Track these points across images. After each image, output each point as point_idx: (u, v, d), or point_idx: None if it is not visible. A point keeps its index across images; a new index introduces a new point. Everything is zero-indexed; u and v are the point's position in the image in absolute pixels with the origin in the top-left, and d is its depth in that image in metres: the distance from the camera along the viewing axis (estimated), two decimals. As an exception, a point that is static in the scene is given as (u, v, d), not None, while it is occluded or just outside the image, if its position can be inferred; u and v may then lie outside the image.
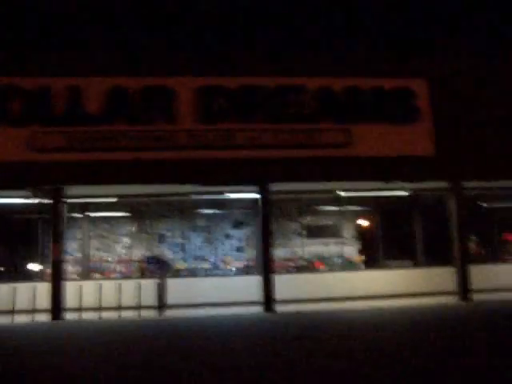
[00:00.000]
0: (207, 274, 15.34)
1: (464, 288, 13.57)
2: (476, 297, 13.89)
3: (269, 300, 12.90)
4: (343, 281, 15.18)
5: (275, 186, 13.53)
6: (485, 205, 16.01)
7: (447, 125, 13.68)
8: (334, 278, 15.32)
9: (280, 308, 12.90)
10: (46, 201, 13.26)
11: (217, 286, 14.63)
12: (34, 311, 12.29)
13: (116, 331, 10.40)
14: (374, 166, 13.24)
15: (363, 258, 16.05)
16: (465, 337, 8.19)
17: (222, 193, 14.10)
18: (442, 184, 13.95)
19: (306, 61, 13.49)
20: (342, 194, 14.58)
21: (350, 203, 15.92)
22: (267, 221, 13.22)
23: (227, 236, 15.97)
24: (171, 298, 13.81)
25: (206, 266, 15.54)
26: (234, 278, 15.02)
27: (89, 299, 12.70)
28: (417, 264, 15.75)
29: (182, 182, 13.16)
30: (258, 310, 13.02)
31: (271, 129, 13.21)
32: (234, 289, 14.43)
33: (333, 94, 13.52)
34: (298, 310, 12.73)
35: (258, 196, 13.42)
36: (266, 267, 13.12)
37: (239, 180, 13.20)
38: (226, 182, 13.22)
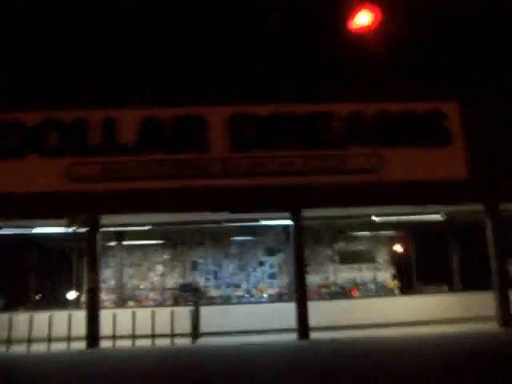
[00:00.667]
0: (240, 301, 15.32)
1: (504, 313, 13.19)
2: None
3: (303, 327, 12.75)
4: (377, 307, 14.99)
5: (308, 213, 13.51)
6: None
7: (481, 147, 13.53)
8: (368, 304, 15.15)
9: (314, 335, 12.75)
10: (81, 230, 13.49)
11: (250, 313, 14.62)
12: (69, 339, 12.41)
13: (149, 359, 10.44)
14: (406, 190, 13.10)
15: (398, 283, 15.83)
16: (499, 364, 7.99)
17: (254, 220, 14.15)
18: (478, 207, 13.71)
19: (335, 86, 13.55)
20: (375, 219, 14.48)
21: (384, 228, 15.81)
22: (300, 247, 13.16)
23: (260, 263, 15.98)
24: (205, 325, 13.83)
25: (240, 293, 15.54)
26: (267, 305, 14.98)
27: (123, 327, 12.77)
28: (452, 289, 15.47)
29: (215, 209, 13.25)
30: (292, 337, 12.88)
31: (302, 155, 13.26)
32: (267, 316, 14.39)
33: (363, 118, 13.53)
34: (332, 337, 12.56)
35: (290, 222, 13.40)
36: (299, 293, 13.01)
37: (271, 207, 13.21)
38: (259, 209, 13.26)
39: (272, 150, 13.31)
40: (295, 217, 13.26)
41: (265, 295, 15.39)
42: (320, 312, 14.62)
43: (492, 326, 13.30)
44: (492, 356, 9.03)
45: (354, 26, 10.87)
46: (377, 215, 14.43)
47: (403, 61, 13.68)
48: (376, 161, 13.33)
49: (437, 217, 14.55)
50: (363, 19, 10.76)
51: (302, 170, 13.17)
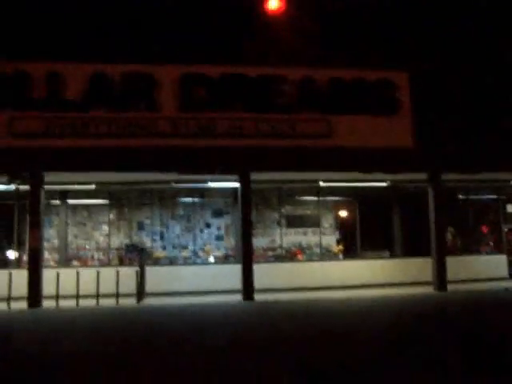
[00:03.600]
0: (187, 262, 15.34)
1: (440, 278, 13.76)
2: (451, 287, 14.14)
3: (248, 289, 12.92)
4: (321, 270, 15.33)
5: (256, 176, 13.55)
6: (463, 197, 16.27)
7: (427, 117, 13.81)
8: (313, 267, 15.47)
9: (259, 297, 12.96)
10: (23, 187, 13.09)
11: (196, 274, 14.68)
12: (9, 298, 12.15)
13: (93, 319, 10.38)
14: (354, 157, 13.28)
15: (342, 247, 16.18)
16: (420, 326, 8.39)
17: (202, 181, 14.08)
18: (421, 176, 14.08)
19: (289, 51, 13.46)
20: (322, 184, 14.67)
21: (330, 193, 16.03)
22: (247, 210, 13.22)
23: (207, 225, 15.97)
24: (150, 286, 13.81)
25: (186, 254, 15.54)
26: (213, 267, 15.06)
27: (67, 287, 12.59)
28: (395, 254, 15.96)
29: (162, 170, 13.09)
30: (237, 298, 13.05)
31: (252, 118, 13.21)
32: (213, 277, 14.50)
33: (315, 84, 13.55)
34: (276, 299, 12.80)
35: (238, 185, 13.40)
36: (245, 256, 13.13)
37: (219, 169, 13.17)
38: (207, 171, 13.19)
39: (222, 112, 13.19)
40: (243, 180, 13.26)
41: (211, 257, 15.46)
42: (265, 274, 14.85)
43: (428, 290, 13.89)
44: (413, 318, 9.44)
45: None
46: (324, 181, 14.61)
47: (355, 29, 13.71)
48: (325, 126, 13.43)
49: (382, 184, 14.87)
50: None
51: (251, 132, 13.14)
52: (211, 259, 15.46)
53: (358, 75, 13.73)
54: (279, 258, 15.68)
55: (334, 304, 12.15)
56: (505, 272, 16.26)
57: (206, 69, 13.33)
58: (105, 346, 7.04)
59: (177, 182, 14.12)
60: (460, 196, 16.24)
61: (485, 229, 16.87)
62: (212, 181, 14.08)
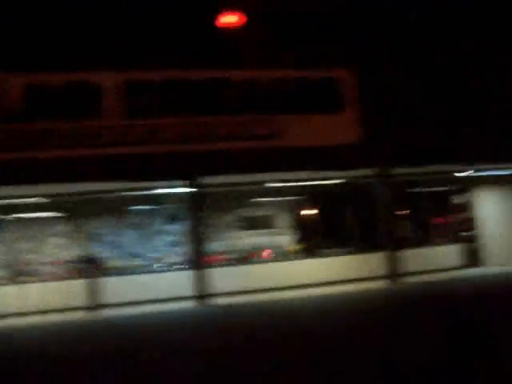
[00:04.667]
0: (142, 270, 15.10)
1: (393, 272, 13.91)
2: (408, 279, 14.33)
3: (201, 294, 12.81)
4: (278, 271, 15.31)
5: (208, 180, 13.46)
6: (416, 190, 16.47)
7: (374, 112, 13.92)
8: (270, 268, 15.44)
9: (219, 301, 12.86)
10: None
11: (151, 282, 14.46)
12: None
13: (39, 336, 10.12)
14: (303, 156, 13.32)
15: (298, 247, 16.21)
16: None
17: (151, 188, 13.90)
18: (371, 171, 14.21)
19: (233, 53, 13.38)
20: (273, 184, 14.67)
21: (285, 194, 16.06)
22: (197, 215, 13.11)
23: (162, 232, 15.79)
24: (105, 296, 13.54)
25: (140, 262, 15.32)
26: (168, 274, 14.86)
27: (17, 303, 12.26)
28: (352, 250, 16.05)
29: (110, 179, 12.83)
30: (190, 304, 12.92)
31: (199, 122, 13.10)
32: (168, 284, 14.29)
33: (260, 85, 13.52)
34: (230, 303, 12.73)
35: (188, 190, 13.28)
36: (197, 261, 13.02)
37: (168, 174, 12.99)
38: (155, 177, 13.01)
39: (168, 117, 13.02)
40: (193, 184, 13.15)
41: (166, 264, 15.28)
42: (222, 278, 14.76)
43: (382, 284, 14.03)
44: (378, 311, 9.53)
45: None
46: (275, 181, 14.60)
47: (298, 28, 13.71)
48: (273, 127, 13.41)
49: (334, 181, 14.95)
50: None
51: (198, 136, 13.02)
52: (167, 266, 15.28)
53: (304, 74, 13.76)
54: (236, 261, 15.60)
55: (287, 304, 12.24)
56: (458, 261, 16.56)
57: (151, 74, 13.15)
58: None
59: (126, 190, 13.88)
60: (412, 189, 16.42)
61: (438, 220, 17.14)
62: (161, 187, 13.91)
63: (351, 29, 13.80)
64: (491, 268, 16.13)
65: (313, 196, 16.08)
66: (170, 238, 15.82)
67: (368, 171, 14.24)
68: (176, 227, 15.64)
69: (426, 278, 14.41)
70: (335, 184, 15.34)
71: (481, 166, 15.16)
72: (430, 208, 17.08)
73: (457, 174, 16.06)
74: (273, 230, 16.14)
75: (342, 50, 13.71)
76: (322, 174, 13.86)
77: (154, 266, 15.30)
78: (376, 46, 14.14)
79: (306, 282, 14.93)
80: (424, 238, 16.70)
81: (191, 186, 13.18)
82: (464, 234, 16.92)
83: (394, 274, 13.90)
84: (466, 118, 14.08)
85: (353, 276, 15.16)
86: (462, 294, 11.55)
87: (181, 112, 13.17)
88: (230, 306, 12.31)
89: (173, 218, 15.67)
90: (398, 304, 10.89)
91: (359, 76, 13.94)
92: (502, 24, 14.39)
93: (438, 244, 16.57)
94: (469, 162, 14.44)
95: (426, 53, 14.33)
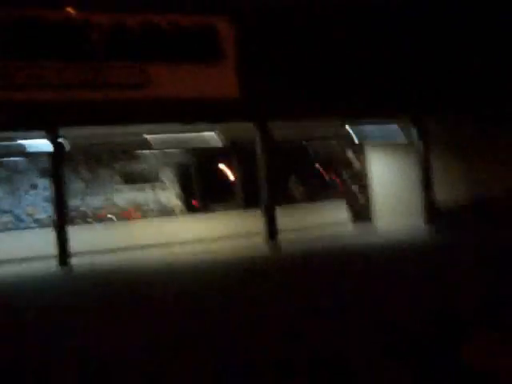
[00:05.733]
0: (9, 227, 14.17)
1: (270, 229, 13.61)
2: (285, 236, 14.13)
3: (62, 254, 12.07)
4: (158, 228, 14.78)
5: (72, 132, 12.54)
6: (300, 144, 16.14)
7: (253, 64, 13.25)
8: (149, 225, 14.89)
9: (91, 259, 12.23)
10: None
11: (17, 240, 13.61)
12: None
13: None
14: (175, 108, 12.57)
15: (182, 203, 15.67)
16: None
17: (10, 139, 12.81)
18: (249, 125, 13.67)
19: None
20: (148, 137, 13.88)
21: (165, 146, 15.30)
22: (58, 169, 12.23)
23: (33, 186, 14.81)
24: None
25: (7, 219, 14.35)
26: (37, 231, 14.02)
27: None
28: (234, 207, 15.67)
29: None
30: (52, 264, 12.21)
31: (57, 68, 12.02)
32: (34, 243, 13.46)
33: (127, 30, 12.50)
34: (94, 262, 12.14)
35: (46, 142, 12.32)
36: (58, 218, 12.22)
37: (25, 125, 11.96)
38: (11, 127, 11.95)
39: (21, 60, 11.85)
40: (52, 136, 12.19)
41: (36, 220, 14.39)
42: (96, 235, 14.11)
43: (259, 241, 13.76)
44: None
45: None
46: (149, 133, 13.80)
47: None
48: (140, 76, 12.52)
49: (212, 134, 14.31)
50: None
51: (55, 83, 11.97)
52: (36, 223, 14.40)
53: (176, 20, 12.84)
54: (112, 218, 14.90)
55: (154, 263, 11.82)
56: (345, 217, 16.53)
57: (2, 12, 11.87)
58: None
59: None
60: (296, 144, 16.07)
61: (325, 175, 16.95)
62: (22, 138, 12.84)
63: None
64: (377, 224, 16.24)
65: (197, 150, 15.40)
66: (44, 193, 14.84)
67: (247, 125, 13.66)
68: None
69: (305, 234, 14.26)
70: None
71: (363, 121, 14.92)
72: (316, 163, 16.82)
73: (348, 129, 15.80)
74: (155, 184, 15.47)
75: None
76: (195, 126, 13.20)
77: (22, 223, 14.36)
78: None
79: (187, 238, 14.50)
80: (310, 194, 16.49)
81: (50, 138, 12.19)
82: (353, 190, 16.85)
83: (270, 231, 13.57)
84: (346, 73, 13.71)
85: (235, 232, 14.84)
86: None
87: (39, 56, 12.03)
88: (91, 266, 11.72)
89: (44, 172, 14.64)
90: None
91: (238, 25, 13.15)
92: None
93: (324, 199, 16.44)
94: (345, 117, 14.15)
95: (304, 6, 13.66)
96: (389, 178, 16.76)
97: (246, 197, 15.56)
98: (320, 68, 13.68)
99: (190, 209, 15.46)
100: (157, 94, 12.64)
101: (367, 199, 16.68)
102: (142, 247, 13.74)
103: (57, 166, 12.27)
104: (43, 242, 13.23)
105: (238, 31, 13.27)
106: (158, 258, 12.59)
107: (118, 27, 12.48)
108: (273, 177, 13.93)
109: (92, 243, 13.53)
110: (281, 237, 13.71)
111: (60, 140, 12.41)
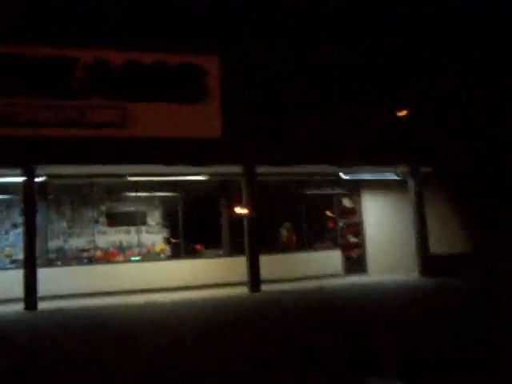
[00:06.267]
0: (-15, 267, 13.65)
1: (253, 278, 12.89)
2: (278, 286, 13.41)
3: (30, 297, 11.50)
4: (140, 272, 14.14)
5: (52, 169, 12.19)
6: (294, 191, 15.49)
7: (237, 106, 12.84)
8: (131, 269, 14.24)
9: (63, 303, 11.71)
10: None
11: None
12: None
13: None
14: (156, 148, 12.14)
15: (167, 246, 15.02)
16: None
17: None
18: (236, 169, 13.17)
19: (80, 31, 12.05)
20: (130, 178, 13.44)
21: (151, 189, 14.83)
22: (30, 207, 11.78)
23: (14, 225, 14.35)
24: None
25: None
26: (13, 272, 13.45)
27: None
28: (221, 253, 14.96)
29: None
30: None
31: (35, 104, 11.74)
32: (11, 283, 12.89)
33: (109, 68, 12.23)
34: (62, 307, 11.51)
35: (20, 180, 11.92)
36: (27, 259, 11.73)
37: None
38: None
39: (5, 97, 11.60)
40: (27, 173, 11.80)
41: (13, 261, 13.88)
42: (75, 278, 13.54)
43: (243, 291, 13.01)
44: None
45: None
46: (131, 175, 13.36)
47: (158, 10, 12.51)
48: (121, 114, 12.17)
49: (198, 178, 13.82)
50: None
51: (38, 120, 11.65)
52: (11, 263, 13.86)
53: (161, 59, 12.56)
54: (94, 260, 14.31)
55: (130, 309, 11.21)
56: (339, 268, 15.71)
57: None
58: None
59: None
60: (289, 191, 15.45)
61: (320, 224, 16.20)
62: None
63: (216, 14, 12.68)
64: (372, 276, 15.41)
65: (185, 192, 14.87)
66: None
67: (233, 168, 13.17)
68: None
69: (291, 285, 13.46)
70: (207, 181, 14.22)
71: (358, 169, 14.35)
72: (315, 211, 16.10)
73: (343, 176, 15.22)
74: (142, 227, 14.90)
75: (204, 35, 12.58)
76: (180, 169, 12.74)
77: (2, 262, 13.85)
78: (245, 33, 13.10)
79: (169, 285, 13.86)
80: (303, 243, 15.70)
81: (25, 175, 11.80)
82: (347, 239, 16.07)
83: (253, 281, 12.85)
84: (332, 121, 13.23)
85: (221, 280, 14.12)
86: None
87: (19, 92, 11.78)
88: (59, 311, 11.11)
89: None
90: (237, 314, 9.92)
91: (225, 65, 12.82)
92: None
93: (318, 249, 15.66)
94: (338, 164, 13.56)
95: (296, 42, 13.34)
96: (384, 227, 15.99)
97: (234, 243, 14.87)
98: (312, 112, 13.22)
99: (176, 254, 14.82)
100: (138, 134, 12.27)
101: (363, 249, 15.88)
102: (130, 291, 13.18)
103: (29, 205, 11.83)
104: (18, 283, 12.74)
105: (224, 70, 12.92)
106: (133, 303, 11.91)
107: (101, 64, 12.22)
108: (258, 224, 13.29)
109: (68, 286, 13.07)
110: (265, 288, 13.02)
111: (40, 179, 12.05)
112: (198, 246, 14.92)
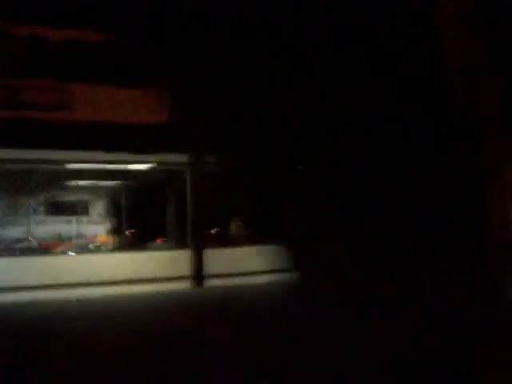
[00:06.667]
0: None
1: (196, 272, 12.34)
2: (223, 281, 12.83)
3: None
4: (79, 264, 13.37)
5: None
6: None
7: (186, 89, 12.21)
8: (69, 261, 13.47)
9: None
10: None
11: None
12: None
13: None
14: (95, 133, 11.42)
15: (111, 238, 14.31)
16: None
17: None
18: (183, 157, 12.57)
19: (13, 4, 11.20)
20: (68, 166, 12.66)
21: (95, 177, 14.08)
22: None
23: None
24: None
25: None
26: None
27: None
28: (166, 245, 14.33)
29: None
30: None
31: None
32: None
33: (47, 45, 11.44)
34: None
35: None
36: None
37: None
38: None
39: None
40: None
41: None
42: (5, 270, 12.69)
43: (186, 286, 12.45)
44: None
45: None
46: (70, 161, 12.58)
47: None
48: (59, 96, 11.40)
49: (142, 166, 13.17)
50: None
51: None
52: None
53: (104, 38, 11.84)
54: (30, 251, 13.47)
55: (64, 305, 10.52)
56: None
57: None
58: None
59: None
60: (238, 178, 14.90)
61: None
62: None
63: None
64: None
65: (131, 181, 14.20)
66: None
67: (179, 157, 12.57)
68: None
69: (230, 280, 12.95)
70: (152, 170, 13.56)
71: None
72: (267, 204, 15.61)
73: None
74: (82, 217, 14.16)
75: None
76: (119, 156, 12.05)
77: None
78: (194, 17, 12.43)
79: (108, 278, 13.10)
80: (254, 236, 15.20)
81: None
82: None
83: (196, 275, 12.31)
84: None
85: (164, 274, 13.47)
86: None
87: None
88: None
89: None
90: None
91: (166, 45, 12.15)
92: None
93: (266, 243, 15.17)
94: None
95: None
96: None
97: (181, 236, 14.26)
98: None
99: (119, 246, 14.13)
100: (78, 118, 11.51)
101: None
102: (67, 285, 12.39)
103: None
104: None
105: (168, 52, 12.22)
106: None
107: (40, 41, 11.41)
108: (204, 217, 12.74)
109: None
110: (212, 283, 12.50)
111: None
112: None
